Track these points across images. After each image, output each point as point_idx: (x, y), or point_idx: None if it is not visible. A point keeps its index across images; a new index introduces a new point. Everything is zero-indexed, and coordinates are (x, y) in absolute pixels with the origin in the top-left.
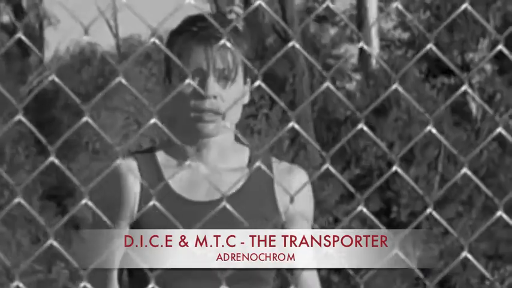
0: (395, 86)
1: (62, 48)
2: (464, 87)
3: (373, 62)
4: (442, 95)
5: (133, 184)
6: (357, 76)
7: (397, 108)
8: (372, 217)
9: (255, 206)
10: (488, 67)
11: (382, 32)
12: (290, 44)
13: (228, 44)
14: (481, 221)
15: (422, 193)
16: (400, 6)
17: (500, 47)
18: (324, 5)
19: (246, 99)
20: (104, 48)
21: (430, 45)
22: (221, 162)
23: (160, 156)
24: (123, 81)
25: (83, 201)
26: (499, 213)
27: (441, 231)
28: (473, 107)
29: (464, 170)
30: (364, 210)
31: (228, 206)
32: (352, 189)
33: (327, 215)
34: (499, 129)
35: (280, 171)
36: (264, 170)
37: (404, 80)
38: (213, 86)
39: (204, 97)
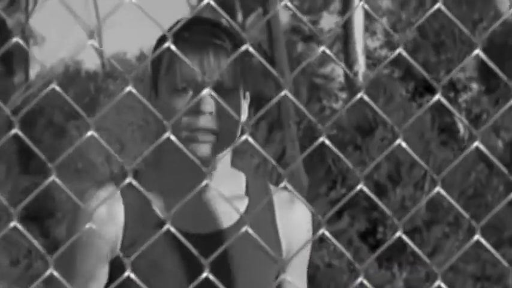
0: (360, 94)
1: (47, 67)
2: (437, 96)
3: (360, 80)
4: (429, 114)
5: (116, 214)
6: (344, 95)
7: (383, 127)
8: None
9: (257, 239)
10: (474, 86)
11: (368, 51)
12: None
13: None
14: (468, 242)
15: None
16: (385, 25)
17: (477, 51)
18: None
19: (244, 117)
20: (89, 66)
21: (399, 50)
22: (219, 187)
23: (147, 180)
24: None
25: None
26: (476, 237)
27: (428, 251)
28: (460, 126)
29: (437, 188)
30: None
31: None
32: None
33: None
34: (476, 143)
35: (280, 201)
36: (263, 199)
37: (391, 99)
38: (209, 101)
39: (199, 113)
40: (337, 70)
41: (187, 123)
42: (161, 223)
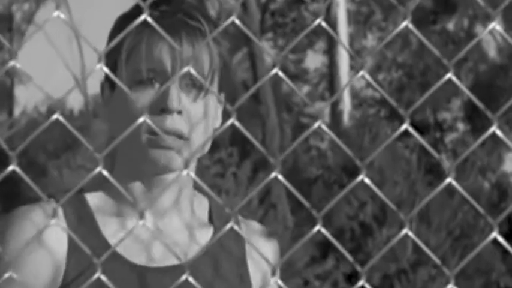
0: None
1: (30, 106)
2: (405, 126)
3: (345, 119)
4: (415, 154)
5: (57, 240)
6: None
7: (369, 167)
8: None
9: (224, 273)
10: (460, 127)
11: (354, 91)
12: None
13: (209, 40)
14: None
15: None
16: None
17: (449, 75)
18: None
19: (218, 121)
20: (73, 105)
21: (362, 73)
22: (178, 213)
23: (93, 199)
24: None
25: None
26: (450, 286)
27: None
28: (446, 167)
29: (405, 230)
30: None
31: (191, 279)
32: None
33: (296, 277)
34: (449, 179)
35: (250, 233)
36: (232, 229)
37: (377, 138)
38: (179, 96)
39: (165, 112)
40: (324, 109)
41: (150, 124)
42: (114, 255)
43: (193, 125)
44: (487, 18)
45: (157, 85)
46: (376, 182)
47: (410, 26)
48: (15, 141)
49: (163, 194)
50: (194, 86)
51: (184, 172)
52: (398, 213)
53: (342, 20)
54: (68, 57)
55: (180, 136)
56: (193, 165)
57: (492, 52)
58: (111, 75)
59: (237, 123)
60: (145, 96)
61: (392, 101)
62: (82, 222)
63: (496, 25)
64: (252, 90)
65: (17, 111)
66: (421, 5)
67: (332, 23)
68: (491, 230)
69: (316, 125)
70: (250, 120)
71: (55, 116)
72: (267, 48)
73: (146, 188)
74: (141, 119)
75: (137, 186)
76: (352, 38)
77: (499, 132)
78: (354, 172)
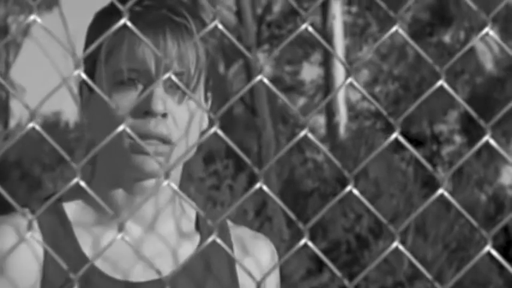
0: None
1: (26, 118)
2: (395, 135)
3: (342, 132)
4: (412, 166)
5: (32, 253)
6: (325, 146)
7: (365, 179)
8: None
9: (209, 286)
10: (457, 139)
11: (350, 103)
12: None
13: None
14: None
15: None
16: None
17: (441, 81)
18: None
19: (205, 124)
20: (68, 117)
21: (351, 80)
22: (161, 222)
23: (72, 208)
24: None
25: None
26: None
27: None
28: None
29: (396, 243)
30: None
31: None
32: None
33: None
34: (441, 190)
35: (240, 240)
36: (219, 234)
37: (372, 151)
38: (163, 98)
39: (148, 115)
40: (319, 121)
41: (133, 128)
42: (93, 269)
43: (178, 128)
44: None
45: (140, 86)
46: (372, 194)
47: (400, 30)
48: (9, 152)
49: (148, 199)
50: (179, 86)
51: (165, 182)
52: (389, 226)
53: (338, 32)
54: (63, 69)
55: (164, 140)
56: (179, 170)
57: (489, 64)
58: (89, 81)
59: (219, 132)
60: (127, 98)
61: (382, 109)
62: (58, 233)
63: (489, 30)
64: (235, 98)
65: (12, 123)
66: (418, 17)
67: (328, 35)
68: (485, 243)
69: (302, 133)
70: (246, 132)
71: (31, 125)
72: (258, 57)
73: (128, 195)
74: (121, 127)
75: (118, 194)
76: (348, 50)
77: (492, 142)
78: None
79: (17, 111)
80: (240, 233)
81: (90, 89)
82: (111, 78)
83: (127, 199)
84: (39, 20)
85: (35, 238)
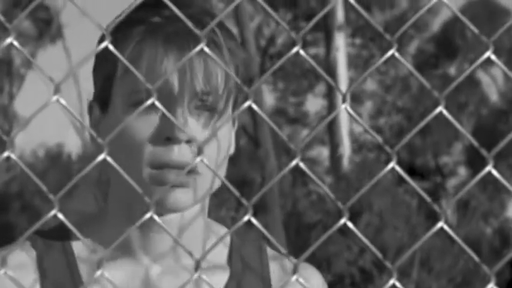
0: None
1: (28, 150)
2: (392, 164)
3: (345, 164)
4: (416, 199)
5: None
6: (329, 179)
7: (369, 212)
8: None
9: None
10: (462, 171)
11: (353, 135)
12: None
13: (224, 52)
14: None
15: None
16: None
17: (440, 108)
18: None
19: (232, 148)
20: (71, 149)
21: (345, 106)
22: (186, 256)
23: (78, 246)
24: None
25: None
26: None
27: None
28: (448, 212)
29: (392, 280)
30: None
31: None
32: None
33: None
34: (441, 223)
35: (281, 272)
36: (254, 268)
37: (377, 184)
38: (188, 122)
39: (171, 142)
40: (324, 153)
41: (153, 156)
42: None
43: (204, 156)
44: (488, 63)
45: (159, 109)
46: (376, 227)
47: (397, 54)
48: (12, 185)
49: (164, 237)
50: (205, 108)
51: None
52: (384, 261)
53: (342, 63)
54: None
55: (190, 171)
56: (206, 202)
57: (494, 96)
58: (74, 115)
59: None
60: (146, 122)
61: (379, 138)
62: (63, 274)
63: (491, 54)
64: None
65: (15, 155)
66: (422, 49)
67: (331, 66)
68: (489, 280)
69: (294, 162)
70: (249, 163)
71: (6, 154)
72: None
73: (144, 232)
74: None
75: (134, 231)
76: (352, 82)
77: (494, 172)
78: (352, 217)
79: (20, 143)
80: (280, 263)
81: (102, 108)
82: (127, 98)
83: (143, 237)
84: (16, 43)
85: (9, 275)
